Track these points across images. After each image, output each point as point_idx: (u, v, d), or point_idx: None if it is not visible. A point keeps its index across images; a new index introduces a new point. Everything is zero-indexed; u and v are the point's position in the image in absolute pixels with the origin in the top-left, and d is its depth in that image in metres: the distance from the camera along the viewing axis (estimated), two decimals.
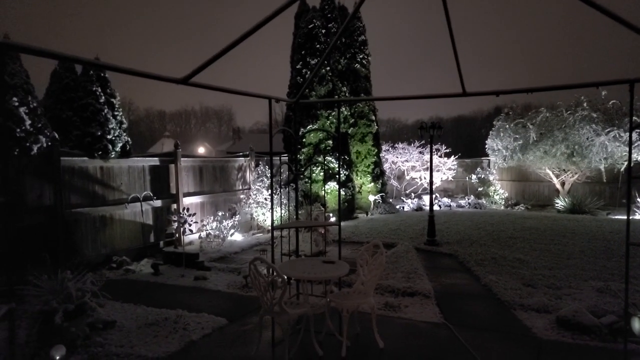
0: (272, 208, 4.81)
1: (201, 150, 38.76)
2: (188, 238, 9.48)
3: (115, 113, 8.34)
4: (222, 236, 9.82)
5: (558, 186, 16.32)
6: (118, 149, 8.25)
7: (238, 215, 10.67)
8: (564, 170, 15.89)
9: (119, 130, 8.28)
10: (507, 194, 17.55)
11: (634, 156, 14.13)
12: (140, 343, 4.68)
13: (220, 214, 10.25)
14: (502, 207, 16.83)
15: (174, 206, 9.40)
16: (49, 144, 6.86)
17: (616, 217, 13.84)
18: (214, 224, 9.89)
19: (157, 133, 50.54)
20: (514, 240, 9.82)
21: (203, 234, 9.82)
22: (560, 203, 15.39)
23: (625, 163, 14.18)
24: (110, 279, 7.20)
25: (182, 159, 9.73)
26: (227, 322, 5.31)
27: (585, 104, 14.85)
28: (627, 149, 14.02)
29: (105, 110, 8.04)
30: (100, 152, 7.86)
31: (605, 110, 14.61)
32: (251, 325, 5.21)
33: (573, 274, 7.02)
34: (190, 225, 8.67)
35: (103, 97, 8.09)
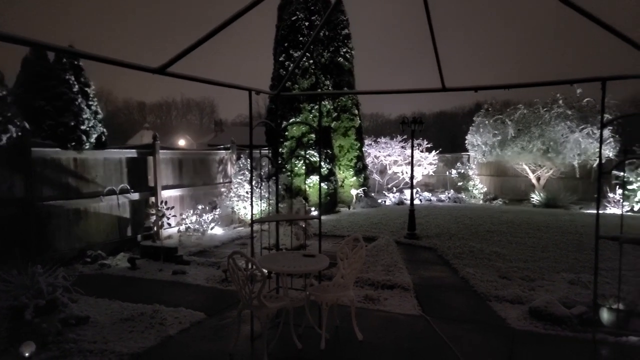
0: (251, 201, 4.77)
1: (182, 142, 38.19)
2: (167, 232, 9.35)
3: (90, 103, 8.12)
4: (202, 230, 9.72)
5: (534, 181, 16.69)
6: (93, 140, 8.05)
7: (219, 209, 10.57)
8: (539, 165, 16.26)
9: (93, 121, 8.07)
10: (485, 189, 17.86)
11: (606, 152, 14.55)
12: (115, 339, 4.60)
13: (200, 207, 10.13)
14: (481, 202, 17.13)
15: (153, 199, 9.25)
16: (20, 134, 6.64)
17: (588, 211, 14.27)
18: (194, 218, 9.78)
19: (137, 125, 49.50)
20: (492, 233, 10.01)
21: (182, 227, 9.70)
22: (535, 198, 15.76)
23: (599, 159, 14.58)
24: (85, 274, 7.04)
25: (161, 151, 9.55)
26: (205, 317, 5.27)
27: (560, 102, 15.20)
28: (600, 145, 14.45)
29: (79, 100, 7.82)
30: (74, 143, 7.65)
31: (579, 107, 14.98)
32: (230, 319, 5.18)
33: (546, 266, 7.21)
34: (168, 218, 8.54)
35: (77, 86, 7.87)
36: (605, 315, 4.76)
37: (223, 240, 9.62)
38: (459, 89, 4.68)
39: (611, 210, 13.66)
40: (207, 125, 58.56)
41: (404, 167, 18.37)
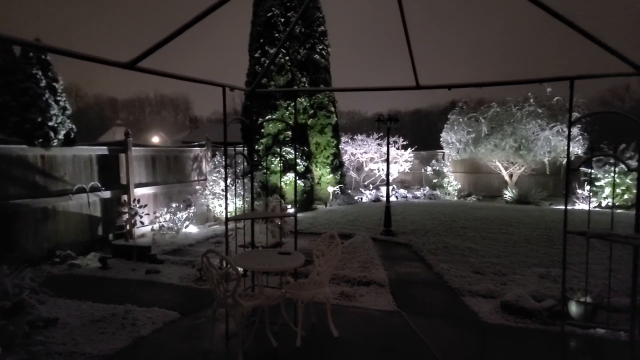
0: (226, 199, 4.70)
1: (156, 139, 37.40)
2: (140, 230, 9.14)
3: (58, 98, 7.85)
4: (176, 228, 9.55)
5: (506, 178, 17.11)
6: (61, 136, 7.78)
7: (193, 207, 10.41)
8: (512, 162, 16.67)
9: (62, 117, 7.81)
10: (460, 186, 18.20)
11: (574, 150, 15.04)
12: (85, 340, 4.46)
13: (174, 205, 9.95)
14: (456, 198, 17.44)
15: (125, 197, 9.02)
16: None
17: (558, 207, 14.72)
18: (168, 216, 9.59)
19: (109, 121, 48.19)
20: (466, 229, 10.20)
21: (156, 226, 9.50)
22: (508, 194, 16.16)
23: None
24: (53, 275, 6.81)
25: (133, 148, 9.32)
26: (179, 316, 5.18)
27: (531, 100, 15.63)
28: (570, 143, 14.93)
29: (47, 95, 7.55)
30: (41, 140, 7.38)
31: (550, 106, 15.44)
32: (205, 318, 5.10)
33: (518, 261, 7.39)
34: (141, 217, 8.36)
35: (44, 81, 7.58)
36: (573, 308, 4.92)
37: (198, 238, 9.48)
38: (432, 87, 4.73)
39: (580, 206, 14.13)
40: (182, 122, 57.58)
41: (380, 164, 18.52)
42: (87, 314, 5.17)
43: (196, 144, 11.99)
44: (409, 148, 18.78)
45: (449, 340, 4.56)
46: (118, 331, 4.71)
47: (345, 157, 18.08)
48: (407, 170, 18.88)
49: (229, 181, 10.57)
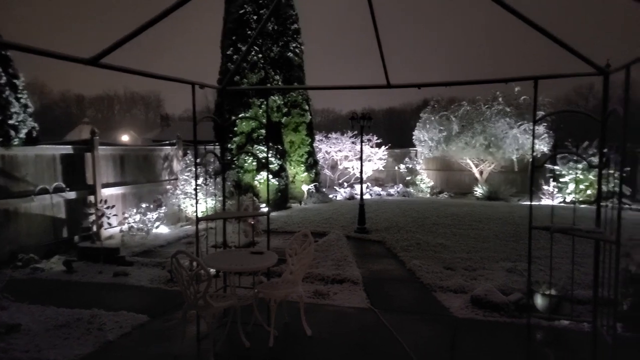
0: (196, 198, 4.62)
1: (125, 138, 36.40)
2: (108, 232, 8.87)
3: (19, 95, 7.52)
4: (146, 229, 9.32)
5: (477, 175, 17.50)
6: (23, 135, 7.46)
7: (164, 207, 10.18)
8: (482, 160, 17.06)
9: (23, 115, 7.48)
10: (432, 183, 18.49)
11: (540, 147, 15.53)
12: (49, 346, 4.30)
13: (144, 205, 9.70)
14: (428, 195, 17.72)
15: (91, 198, 8.73)
16: None
17: (526, 203, 15.18)
18: (137, 217, 9.35)
19: (75, 119, 46.62)
20: (437, 226, 10.38)
21: (125, 227, 9.25)
22: (478, 191, 16.54)
23: (534, 154, 15.53)
24: (15, 279, 6.53)
25: (100, 147, 9.04)
26: (148, 319, 5.05)
27: (500, 99, 16.03)
28: (536, 140, 15.38)
29: (7, 92, 7.21)
30: (1, 139, 7.05)
31: (517, 105, 15.87)
32: (175, 321, 5.00)
33: (487, 257, 7.57)
34: (109, 218, 8.11)
35: (4, 78, 7.25)
36: (539, 301, 5.07)
37: (169, 239, 9.28)
38: (402, 86, 4.78)
39: (546, 201, 14.60)
40: (153, 120, 56.26)
41: (354, 162, 18.62)
42: (51, 319, 4.98)
43: (167, 142, 11.73)
44: (383, 146, 18.95)
45: (420, 336, 4.63)
46: (83, 336, 4.55)
47: (319, 156, 18.09)
48: (381, 168, 19.04)
49: (201, 180, 10.40)
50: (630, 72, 3.23)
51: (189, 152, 11.75)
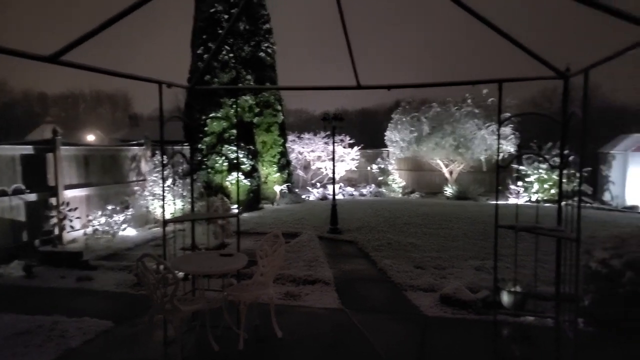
0: (163, 199, 4.50)
1: (91, 137, 35.23)
2: (71, 235, 8.55)
3: None
4: (112, 232, 9.04)
5: (447, 175, 17.85)
6: None
7: (131, 209, 9.90)
8: (452, 160, 17.41)
9: None
10: (404, 183, 18.74)
11: (507, 148, 16.00)
12: (8, 355, 4.11)
13: (110, 207, 9.40)
14: (400, 195, 17.95)
15: (53, 200, 8.39)
16: None
17: (494, 202, 15.59)
18: (103, 219, 9.05)
19: (38, 118, 44.76)
20: (408, 225, 10.50)
21: (89, 230, 8.94)
22: (449, 191, 16.87)
23: (501, 154, 15.98)
24: None
25: (63, 147, 8.70)
26: (113, 325, 4.89)
27: (469, 101, 16.41)
28: (503, 141, 15.84)
29: None
30: None
31: (486, 107, 16.30)
32: (142, 326, 4.86)
33: (456, 255, 7.72)
34: (71, 221, 7.81)
35: None
36: (505, 297, 5.20)
37: (136, 242, 9.02)
38: (372, 87, 4.80)
39: (512, 200, 15.04)
40: (121, 120, 54.65)
41: (327, 162, 18.65)
42: (10, 326, 4.78)
43: (135, 142, 11.42)
44: (356, 146, 19.06)
45: (391, 335, 4.66)
46: (45, 344, 4.37)
47: (292, 156, 18.03)
48: (353, 168, 19.14)
49: (169, 182, 10.17)
50: (589, 76, 3.34)
51: (157, 152, 11.47)
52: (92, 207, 9.40)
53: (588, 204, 13.77)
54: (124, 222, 9.46)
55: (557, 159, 13.85)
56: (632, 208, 13.38)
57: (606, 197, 15.01)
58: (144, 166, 11.22)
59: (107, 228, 8.99)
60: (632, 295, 4.39)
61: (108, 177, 10.02)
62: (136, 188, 10.77)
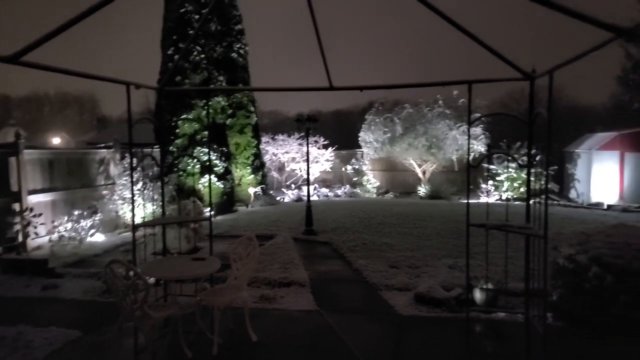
0: (132, 203, 4.37)
1: (57, 140, 34.03)
2: (35, 242, 8.21)
3: None
4: (79, 238, 8.73)
5: (420, 175, 18.12)
6: None
7: (100, 214, 9.60)
8: (424, 160, 17.69)
9: None
10: (378, 183, 18.91)
11: (478, 148, 16.38)
12: None
13: (77, 212, 9.07)
14: (374, 196, 18.09)
15: (17, 206, 8.04)
16: None
17: (466, 201, 15.93)
18: (69, 225, 8.72)
19: (1, 121, 42.87)
20: (383, 225, 10.59)
21: (55, 236, 8.60)
22: (422, 190, 17.12)
23: (472, 154, 16.34)
24: None
25: (26, 150, 8.36)
26: (81, 334, 4.71)
27: (440, 102, 16.72)
28: (474, 141, 16.20)
29: None
30: None
31: (457, 107, 16.64)
32: (111, 334, 4.70)
33: (430, 254, 7.83)
34: (36, 227, 7.50)
35: None
36: (477, 295, 5.31)
37: (105, 247, 8.75)
38: (345, 88, 4.81)
39: (483, 199, 15.40)
40: (89, 122, 52.97)
41: (302, 164, 18.61)
42: None
43: (103, 145, 11.08)
44: (330, 147, 19.11)
45: (367, 335, 4.67)
46: (9, 356, 4.19)
47: (266, 158, 17.91)
48: (328, 169, 19.18)
49: (140, 185, 9.92)
50: (554, 77, 3.45)
51: (127, 155, 11.17)
52: (57, 212, 9.06)
53: (555, 202, 14.24)
54: (91, 227, 9.16)
55: (525, 158, 14.33)
56: (597, 205, 13.92)
57: (572, 194, 15.57)
58: (113, 169, 10.90)
59: (73, 234, 8.68)
60: (597, 290, 4.55)
61: (75, 181, 9.68)
62: (105, 192, 10.45)
